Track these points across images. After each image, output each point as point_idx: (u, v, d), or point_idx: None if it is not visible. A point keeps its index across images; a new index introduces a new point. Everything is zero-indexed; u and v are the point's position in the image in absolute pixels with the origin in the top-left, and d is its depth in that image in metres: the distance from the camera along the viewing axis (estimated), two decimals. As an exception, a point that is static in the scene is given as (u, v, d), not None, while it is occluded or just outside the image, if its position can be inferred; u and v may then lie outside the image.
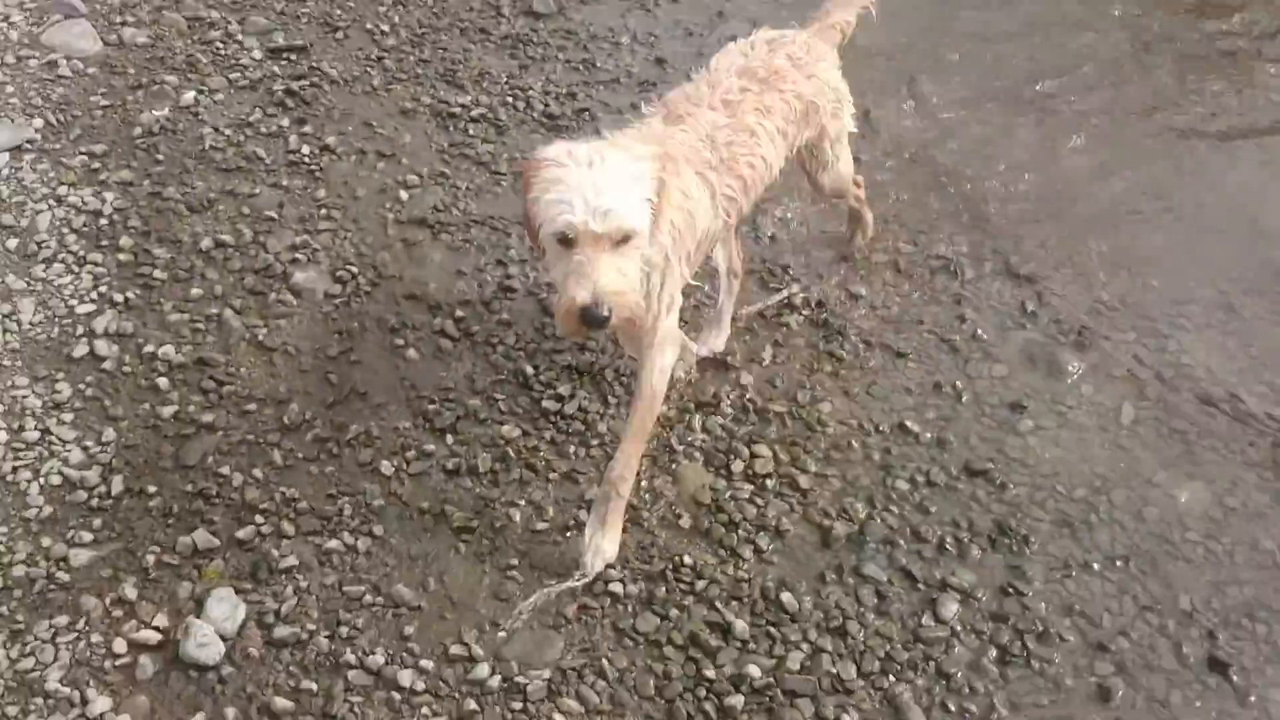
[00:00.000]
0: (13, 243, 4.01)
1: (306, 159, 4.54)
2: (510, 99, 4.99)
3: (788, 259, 4.16)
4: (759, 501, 3.23)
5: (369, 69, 5.13)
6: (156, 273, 3.93)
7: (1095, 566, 3.10)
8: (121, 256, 3.98)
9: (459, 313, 3.86)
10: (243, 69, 5.03)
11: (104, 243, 4.04)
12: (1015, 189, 4.58)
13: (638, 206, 2.52)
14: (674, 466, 3.33)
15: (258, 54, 5.15)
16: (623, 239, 2.51)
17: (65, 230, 4.08)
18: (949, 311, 3.96)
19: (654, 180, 2.58)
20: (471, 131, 4.78)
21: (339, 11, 5.51)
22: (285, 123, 4.72)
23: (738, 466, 3.32)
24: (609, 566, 2.99)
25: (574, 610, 2.91)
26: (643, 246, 2.60)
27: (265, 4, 5.53)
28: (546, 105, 4.95)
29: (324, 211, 4.28)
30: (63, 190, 4.25)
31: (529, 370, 3.63)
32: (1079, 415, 3.59)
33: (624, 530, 3.08)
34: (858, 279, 4.08)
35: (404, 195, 4.39)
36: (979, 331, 3.87)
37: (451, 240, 4.20)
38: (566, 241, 2.50)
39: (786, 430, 3.47)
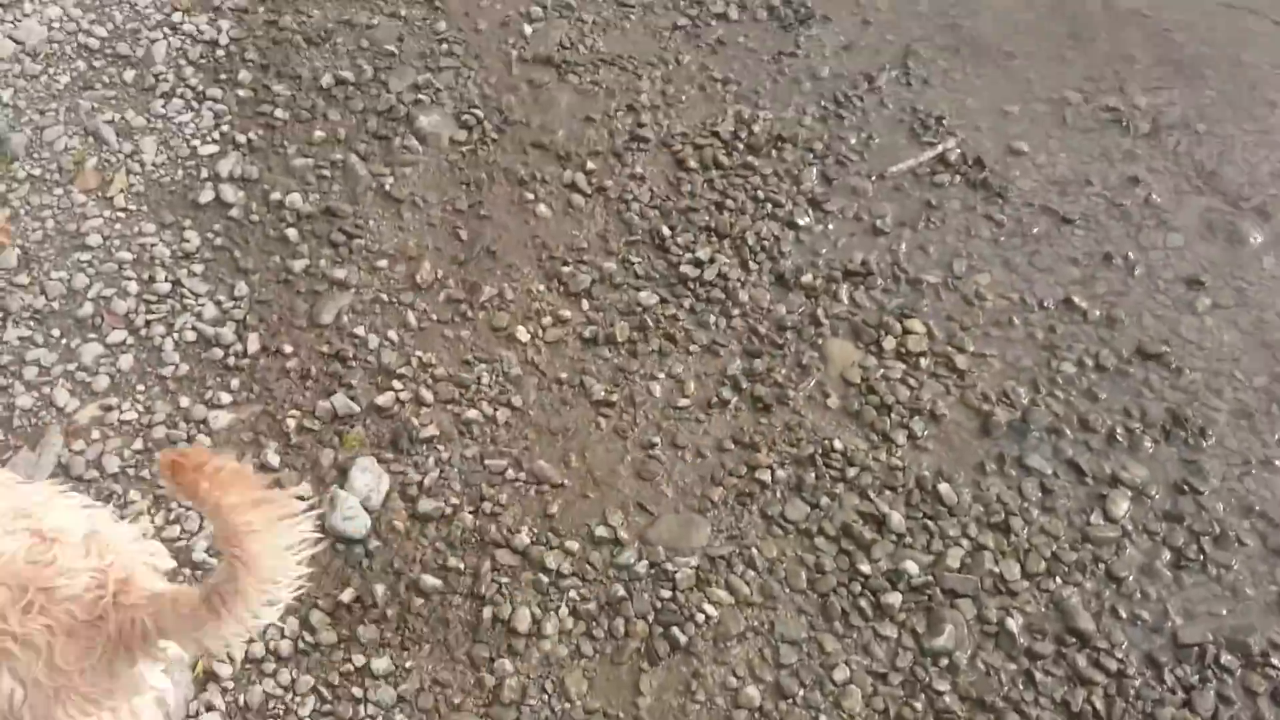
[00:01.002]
0: (130, 74, 3.73)
1: (423, -14, 4.11)
2: (635, -82, 4.43)
3: (941, 108, 3.68)
4: (912, 382, 2.93)
5: (483, -117, 4.59)
6: (278, 112, 3.63)
7: (1277, 463, 2.78)
8: (241, 93, 3.68)
9: (590, 165, 3.52)
10: (351, -117, 4.53)
11: (222, 76, 3.73)
12: (1197, 32, 3.96)
13: None
14: (820, 341, 3.04)
15: None
16: None
17: (182, 62, 3.77)
18: (1120, 172, 3.49)
19: None
20: (595, -44, 4.27)
21: None
22: (398, -55, 4.27)
23: (889, 343, 3.01)
24: None
25: (719, 494, 2.72)
26: None
27: None
28: (675, -74, 4.39)
29: (445, 46, 3.89)
30: (176, 17, 3.91)
31: (665, 231, 3.31)
32: (1261, 292, 3.18)
33: (766, 410, 2.86)
34: (1019, 133, 3.60)
35: (527, 29, 3.97)
36: (1153, 196, 3.41)
37: (579, 82, 3.80)
38: None
39: (941, 303, 3.13)
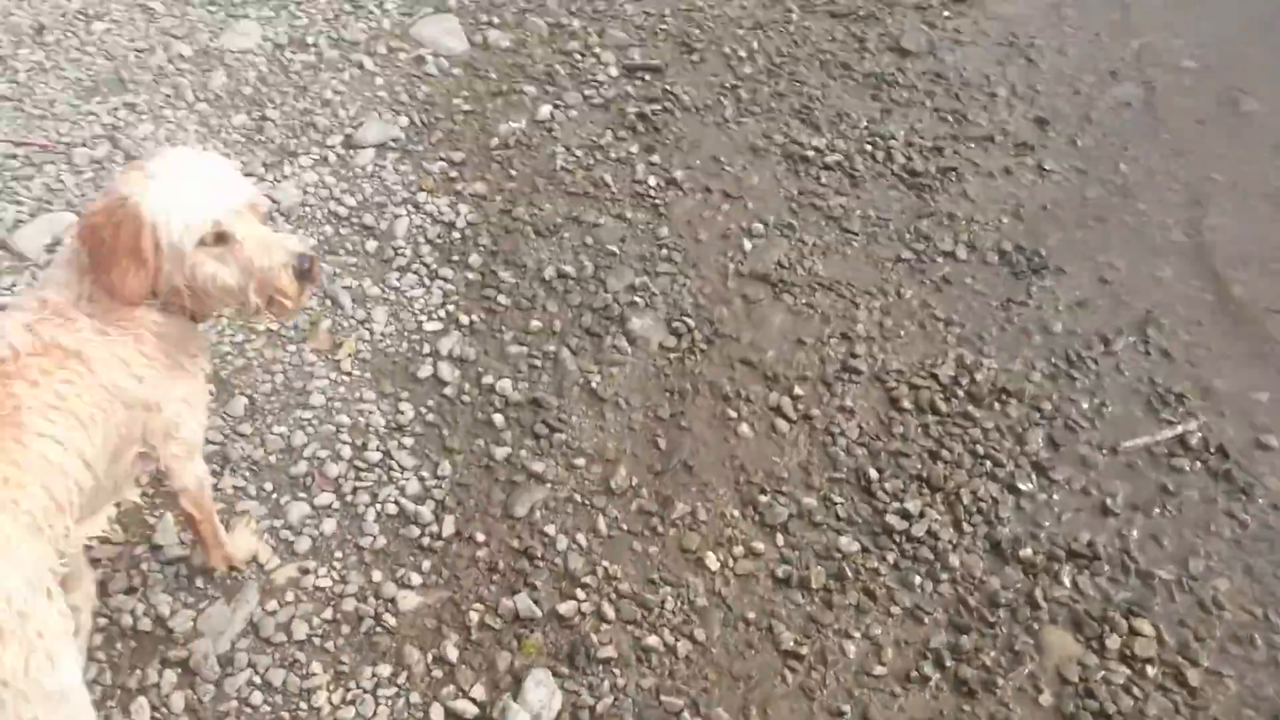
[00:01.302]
0: (372, 245, 4.03)
1: (652, 191, 4.33)
2: (868, 146, 4.58)
3: (1183, 385, 3.54)
4: (1137, 692, 2.71)
5: (722, 97, 4.87)
6: (501, 297, 3.83)
7: None
8: (470, 275, 3.91)
9: (797, 389, 3.53)
10: (597, 85, 4.88)
11: (455, 258, 3.98)
12: None
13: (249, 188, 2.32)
14: (1037, 627, 2.86)
15: (613, 70, 5.00)
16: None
17: (420, 240, 4.06)
18: (1381, 486, 3.24)
19: None
20: (824, 180, 4.41)
21: (697, 31, 5.27)
22: (634, 149, 4.53)
23: (1113, 642, 2.81)
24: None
25: (912, 785, 2.54)
26: None
27: (625, 16, 5.38)
28: (909, 159, 4.51)
29: (664, 252, 4.05)
30: (421, 197, 4.24)
31: (872, 473, 3.24)
32: None
33: (971, 695, 2.68)
34: (1269, 425, 3.41)
35: (747, 245, 4.10)
36: None
37: (794, 303, 3.87)
38: (222, 238, 2.24)
39: (1175, 605, 2.91)
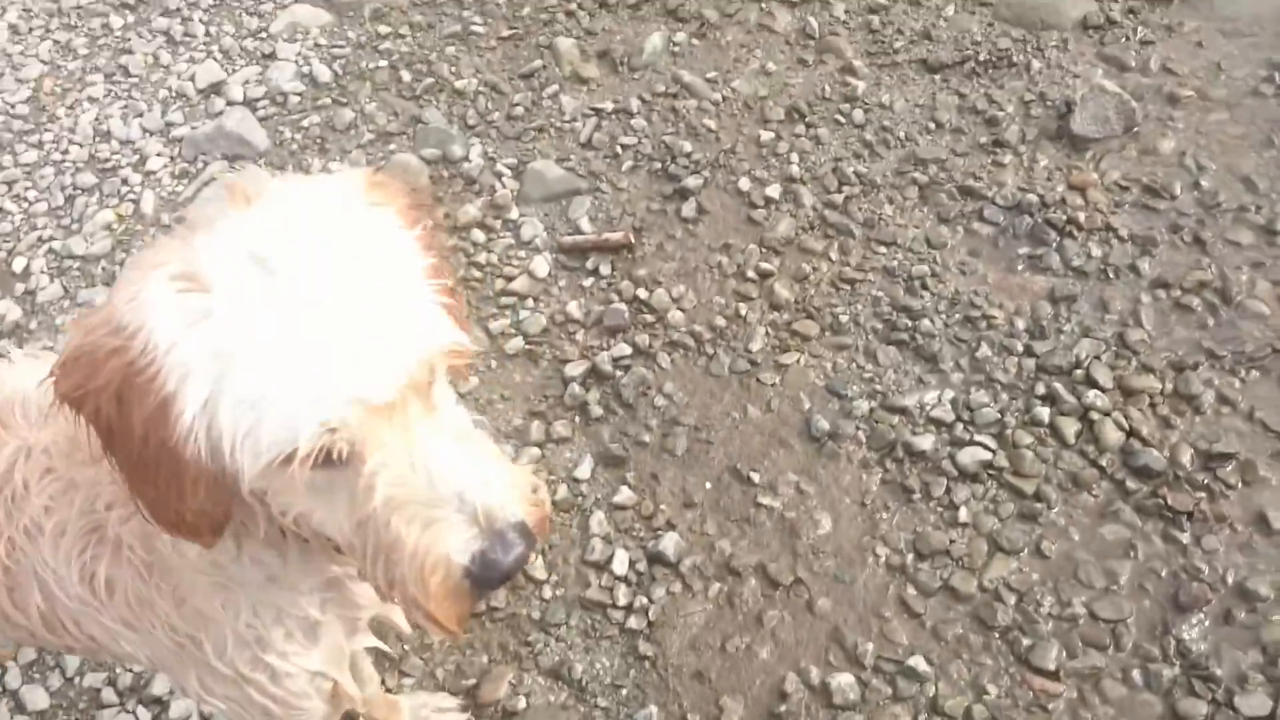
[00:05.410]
0: None
1: (617, 596, 2.33)
2: (1039, 406, 2.47)
3: None
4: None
5: (742, 304, 2.78)
6: None
7: None
8: None
9: None
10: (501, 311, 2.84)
11: None
12: None
13: (434, 303, 1.16)
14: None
15: (541, 264, 2.94)
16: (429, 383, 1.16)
17: None
18: None
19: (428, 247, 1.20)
20: (954, 536, 2.36)
21: (687, 144, 3.14)
22: (585, 468, 2.53)
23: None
24: None
25: None
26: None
27: (558, 125, 3.27)
28: (1130, 429, 2.42)
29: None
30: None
31: None
32: None
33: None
34: None
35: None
36: None
37: None
38: (331, 459, 1.09)
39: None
